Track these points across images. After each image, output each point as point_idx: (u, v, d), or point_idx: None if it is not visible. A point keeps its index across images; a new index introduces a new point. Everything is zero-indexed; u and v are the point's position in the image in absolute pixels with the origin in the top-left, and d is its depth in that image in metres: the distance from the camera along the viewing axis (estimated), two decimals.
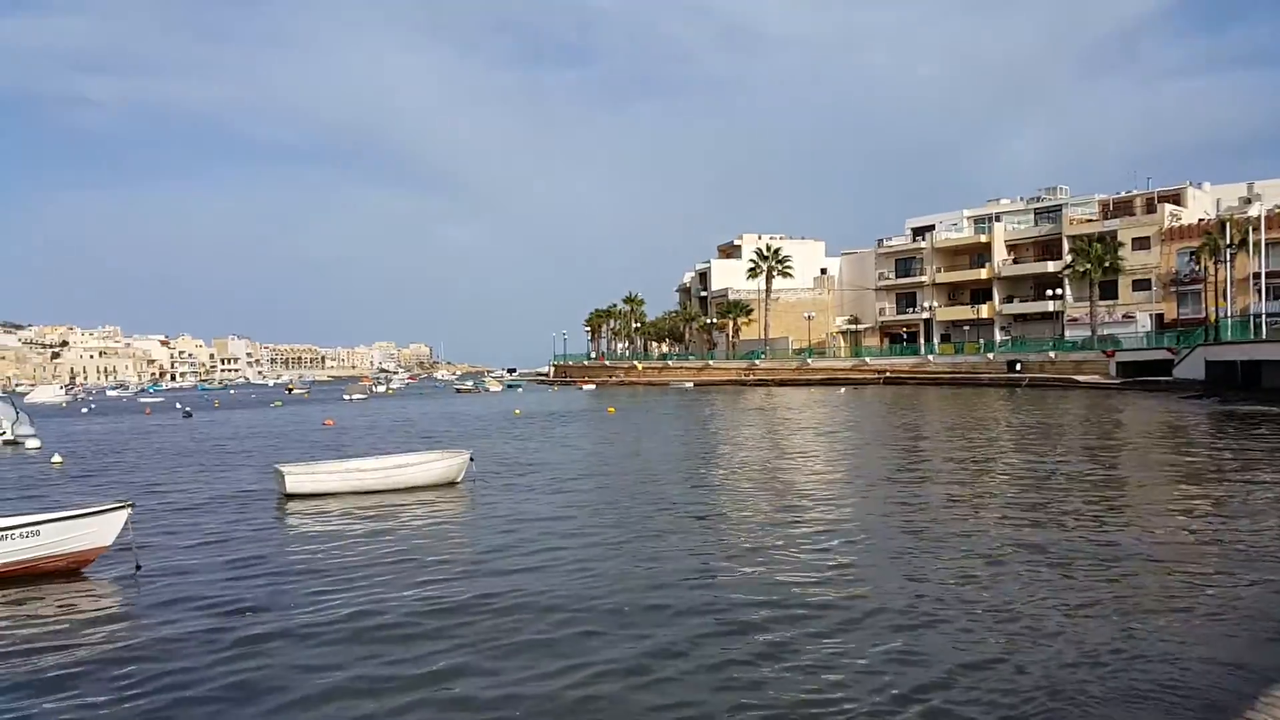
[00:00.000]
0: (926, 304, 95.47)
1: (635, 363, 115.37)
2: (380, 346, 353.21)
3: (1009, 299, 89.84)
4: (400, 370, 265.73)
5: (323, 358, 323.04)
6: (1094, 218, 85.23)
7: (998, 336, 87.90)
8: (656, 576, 12.21)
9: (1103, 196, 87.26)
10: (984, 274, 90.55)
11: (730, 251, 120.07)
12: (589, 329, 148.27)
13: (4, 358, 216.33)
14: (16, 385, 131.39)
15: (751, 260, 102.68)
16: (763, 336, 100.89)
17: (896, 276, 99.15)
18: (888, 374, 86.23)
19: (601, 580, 12.13)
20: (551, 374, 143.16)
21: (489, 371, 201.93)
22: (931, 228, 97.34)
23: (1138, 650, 8.92)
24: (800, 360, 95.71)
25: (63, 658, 9.42)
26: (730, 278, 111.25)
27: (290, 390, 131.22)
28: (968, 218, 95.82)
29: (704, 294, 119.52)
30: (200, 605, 11.23)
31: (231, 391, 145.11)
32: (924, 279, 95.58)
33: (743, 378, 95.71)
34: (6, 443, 40.01)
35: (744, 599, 10.99)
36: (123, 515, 13.04)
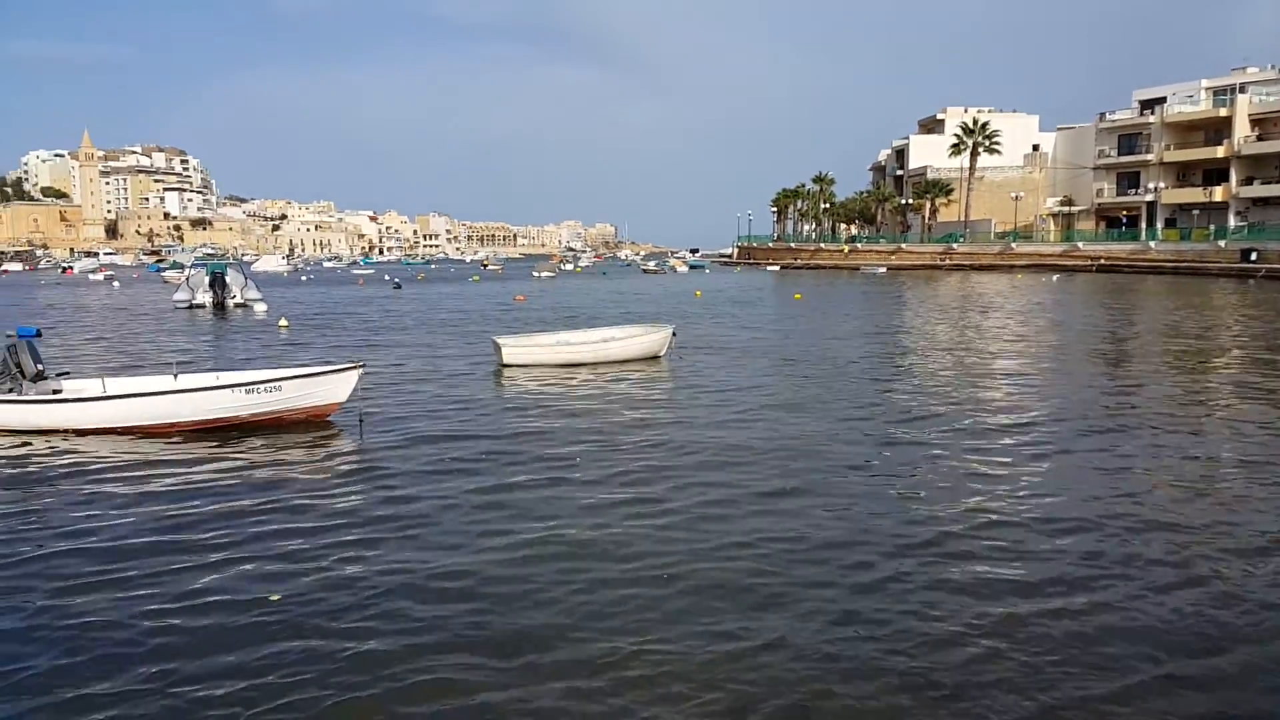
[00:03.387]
0: (1151, 185, 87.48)
1: (842, 246, 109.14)
2: (568, 225, 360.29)
3: (1248, 181, 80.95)
4: (587, 249, 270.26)
5: (514, 235, 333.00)
6: None
7: (1232, 222, 79.77)
8: (843, 442, 11.87)
9: None
10: (1221, 152, 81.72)
11: (932, 126, 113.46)
12: (775, 210, 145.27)
13: (230, 229, 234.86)
14: (242, 255, 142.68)
15: (955, 136, 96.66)
16: (963, 218, 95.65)
17: (1119, 154, 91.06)
18: (1102, 261, 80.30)
19: (789, 449, 12.17)
20: (735, 255, 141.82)
21: (673, 252, 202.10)
22: (1162, 100, 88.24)
23: None
24: (1004, 244, 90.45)
25: (302, 493, 10.24)
26: (930, 155, 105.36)
27: (485, 266, 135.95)
28: (1205, 89, 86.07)
29: (900, 173, 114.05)
30: (420, 453, 12.10)
31: (433, 266, 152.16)
32: (1150, 157, 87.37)
33: (938, 262, 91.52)
34: (237, 305, 43.62)
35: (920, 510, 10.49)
36: (355, 375, 13.91)
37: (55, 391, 14.00)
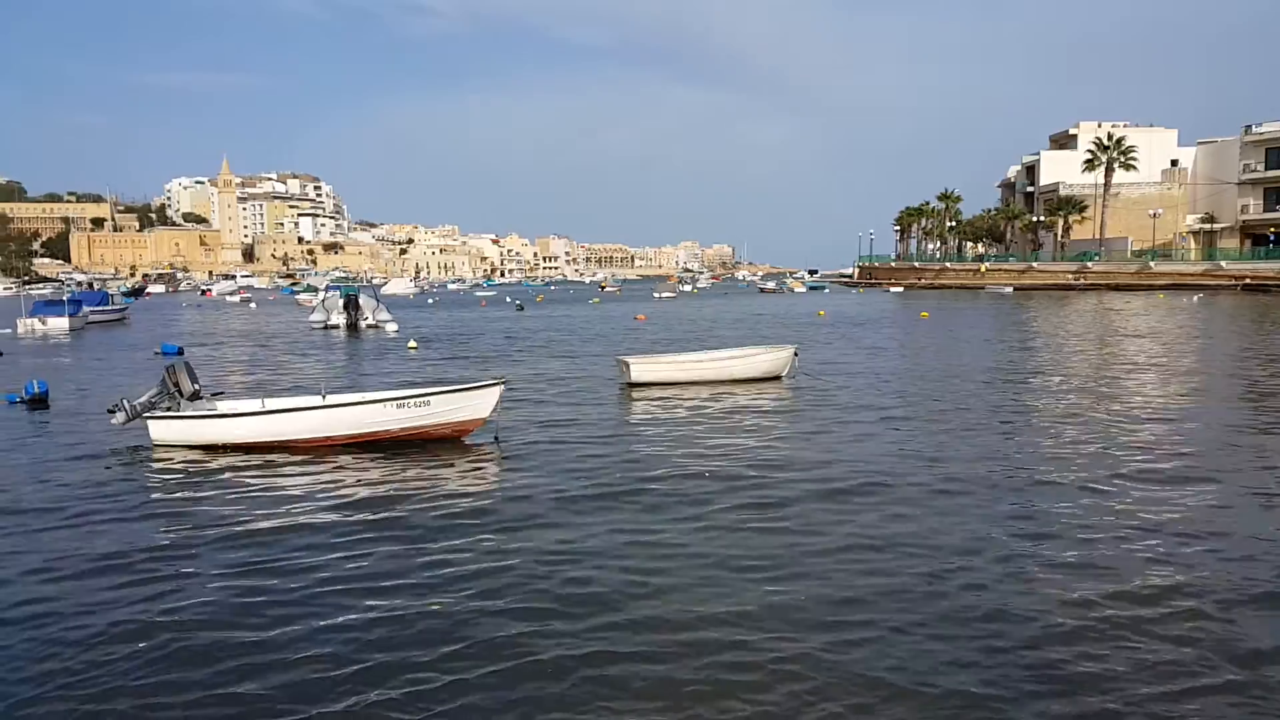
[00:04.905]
0: None
1: (979, 265, 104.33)
2: (685, 246, 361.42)
3: None
4: (704, 270, 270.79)
5: (632, 257, 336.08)
6: None
7: None
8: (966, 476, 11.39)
9: None
10: None
11: (1064, 142, 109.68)
12: (898, 228, 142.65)
13: (360, 253, 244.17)
14: (371, 277, 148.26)
15: (1089, 151, 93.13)
16: (1097, 236, 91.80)
17: (1266, 168, 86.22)
18: (1247, 280, 75.98)
19: (908, 463, 11.89)
20: (856, 275, 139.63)
21: (791, 273, 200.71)
22: None
23: None
24: (1141, 263, 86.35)
25: (446, 506, 10.53)
26: (1062, 171, 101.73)
27: (603, 288, 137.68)
28: None
29: (1030, 189, 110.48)
30: (555, 468, 12.34)
31: (552, 287, 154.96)
32: None
33: (1071, 281, 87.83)
34: (369, 326, 45.26)
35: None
36: (498, 391, 14.24)
37: (210, 410, 14.67)
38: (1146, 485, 11.23)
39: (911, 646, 6.64)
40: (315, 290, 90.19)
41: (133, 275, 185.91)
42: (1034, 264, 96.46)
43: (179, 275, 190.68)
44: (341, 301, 46.89)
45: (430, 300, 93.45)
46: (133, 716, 5.83)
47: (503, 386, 14.43)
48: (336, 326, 45.38)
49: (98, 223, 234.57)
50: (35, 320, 45.58)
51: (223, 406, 14.99)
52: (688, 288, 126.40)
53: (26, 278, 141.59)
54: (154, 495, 11.50)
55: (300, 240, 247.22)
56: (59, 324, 45.71)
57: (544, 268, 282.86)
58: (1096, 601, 7.48)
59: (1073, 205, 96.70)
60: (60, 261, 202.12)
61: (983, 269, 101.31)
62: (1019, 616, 7.18)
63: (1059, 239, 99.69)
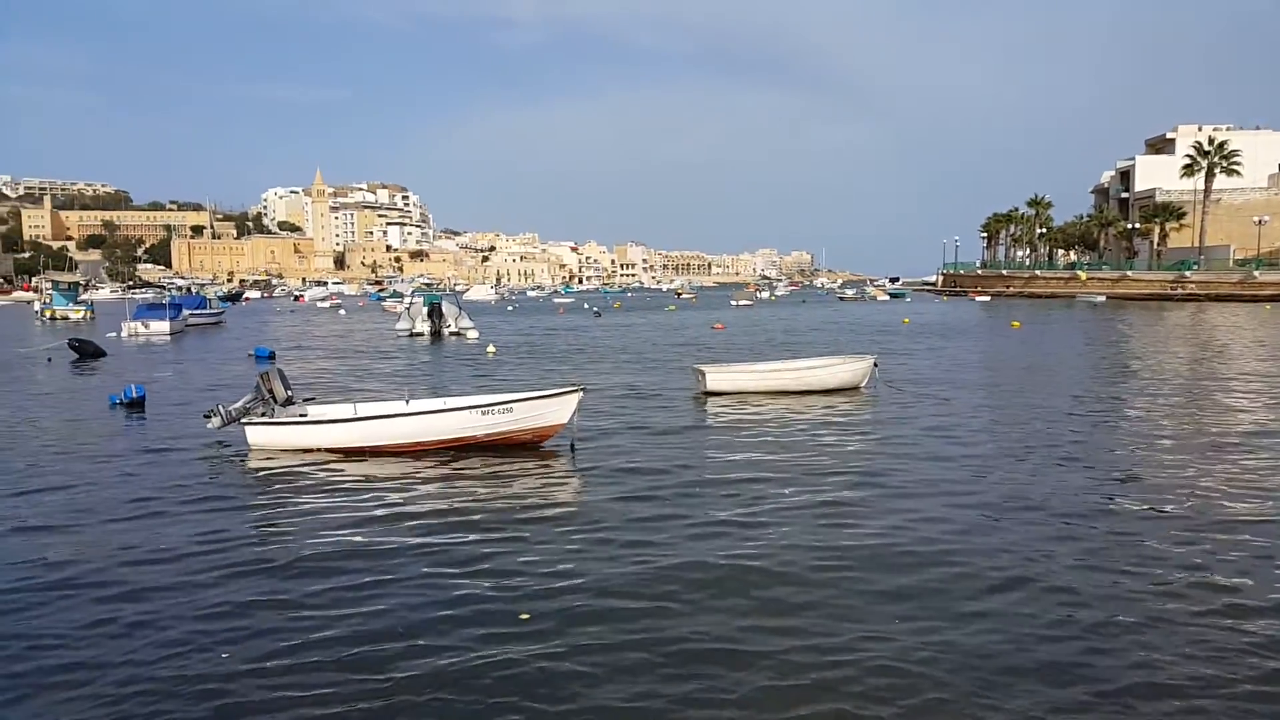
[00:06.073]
0: None
1: (1078, 272, 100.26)
2: (763, 254, 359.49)
3: None
4: (782, 278, 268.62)
5: (709, 264, 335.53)
6: None
7: None
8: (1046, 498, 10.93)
9: None
10: None
11: (1161, 146, 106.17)
12: (984, 235, 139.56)
13: (444, 260, 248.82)
14: (455, 284, 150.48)
15: (1188, 155, 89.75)
16: (1197, 244, 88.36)
17: None
18: None
19: (990, 497, 11.37)
20: (940, 283, 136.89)
21: (872, 280, 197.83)
22: None
23: None
24: (1244, 272, 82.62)
25: (526, 512, 10.69)
26: (1159, 176, 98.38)
27: (680, 295, 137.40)
28: None
29: (1125, 195, 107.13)
30: (633, 478, 12.38)
31: (629, 294, 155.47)
32: None
33: (1168, 291, 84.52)
34: (452, 333, 45.96)
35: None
36: (576, 397, 14.41)
37: (302, 415, 15.07)
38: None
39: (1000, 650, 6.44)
40: (401, 297, 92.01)
41: (230, 281, 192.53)
42: (1129, 273, 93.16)
43: (274, 282, 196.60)
44: (426, 309, 47.75)
45: (510, 307, 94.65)
46: (246, 687, 6.24)
47: (581, 393, 14.57)
48: (421, 334, 46.19)
49: (198, 230, 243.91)
50: (138, 323, 47.38)
51: (314, 410, 15.40)
52: (765, 295, 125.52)
53: (131, 282, 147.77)
54: (256, 494, 11.98)
55: (388, 248, 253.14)
56: (160, 327, 47.45)
57: (621, 275, 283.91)
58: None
59: (1170, 212, 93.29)
60: (162, 267, 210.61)
61: (1082, 276, 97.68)
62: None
63: (1155, 247, 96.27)
